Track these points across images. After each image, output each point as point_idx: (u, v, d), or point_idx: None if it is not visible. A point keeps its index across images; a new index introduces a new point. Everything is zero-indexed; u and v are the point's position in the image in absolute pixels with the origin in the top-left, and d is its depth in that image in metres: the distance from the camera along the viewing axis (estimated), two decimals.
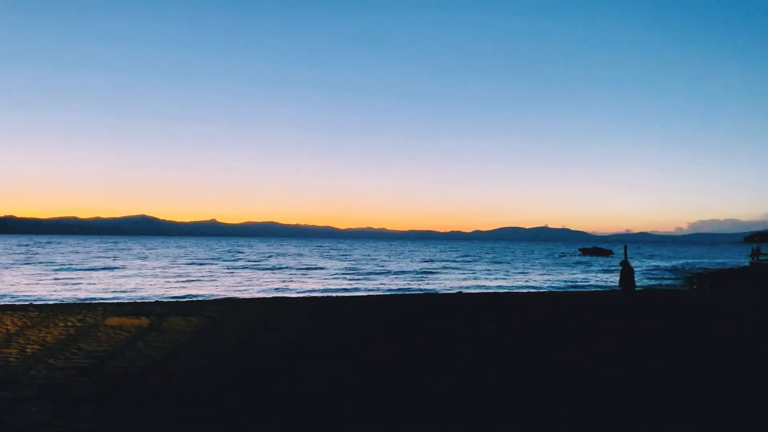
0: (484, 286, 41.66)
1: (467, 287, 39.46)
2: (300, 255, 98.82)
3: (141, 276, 46.58)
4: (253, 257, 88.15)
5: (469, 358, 11.85)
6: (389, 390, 9.26)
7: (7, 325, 15.99)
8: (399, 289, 37.62)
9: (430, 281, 44.85)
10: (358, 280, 45.68)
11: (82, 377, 10.07)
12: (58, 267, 56.51)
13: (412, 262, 75.82)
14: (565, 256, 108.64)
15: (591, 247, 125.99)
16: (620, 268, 21.03)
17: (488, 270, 61.28)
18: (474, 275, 52.82)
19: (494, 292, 33.47)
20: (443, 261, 79.45)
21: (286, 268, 60.50)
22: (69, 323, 16.60)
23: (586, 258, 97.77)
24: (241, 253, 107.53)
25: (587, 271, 60.11)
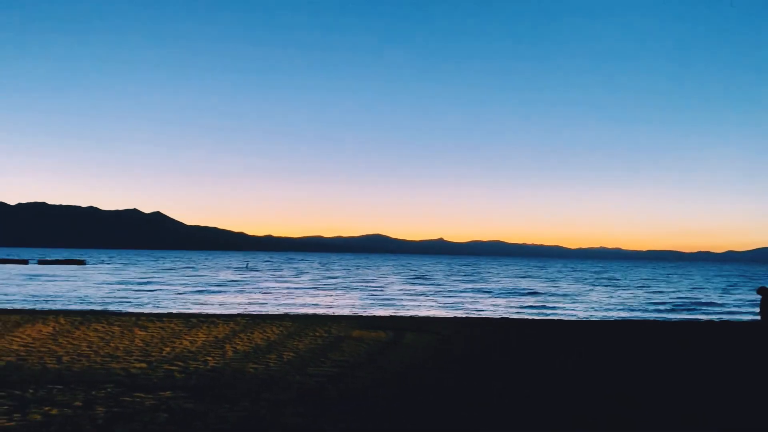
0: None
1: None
2: (550, 278, 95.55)
3: (387, 292, 49.47)
4: (498, 278, 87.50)
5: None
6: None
7: (268, 334, 17.98)
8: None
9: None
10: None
11: (330, 384, 10.81)
12: (318, 282, 62.69)
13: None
14: None
15: None
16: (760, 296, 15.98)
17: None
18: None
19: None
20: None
21: (542, 293, 59.50)
22: (317, 334, 18.12)
23: None
24: (484, 272, 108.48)
25: None
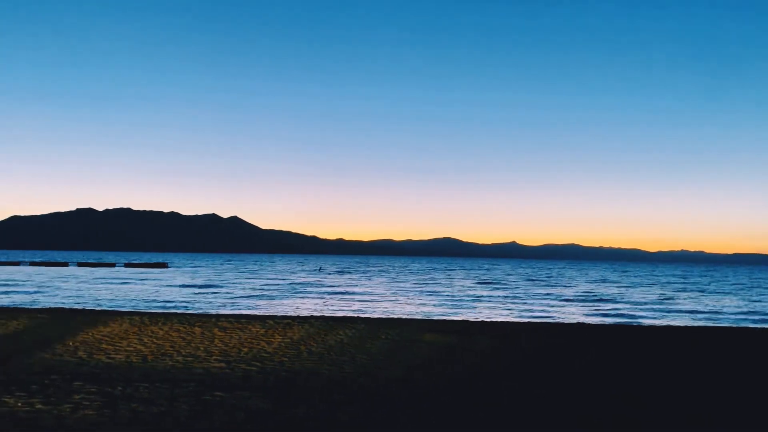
0: None
1: None
2: (629, 283, 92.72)
3: (457, 296, 49.19)
4: (575, 283, 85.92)
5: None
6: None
7: (341, 336, 18.21)
8: None
9: None
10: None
11: (402, 387, 10.82)
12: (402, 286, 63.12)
13: None
14: None
15: None
16: None
17: None
18: None
19: None
20: None
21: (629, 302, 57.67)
22: (389, 337, 18.20)
23: None
24: (558, 277, 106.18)
25: None
